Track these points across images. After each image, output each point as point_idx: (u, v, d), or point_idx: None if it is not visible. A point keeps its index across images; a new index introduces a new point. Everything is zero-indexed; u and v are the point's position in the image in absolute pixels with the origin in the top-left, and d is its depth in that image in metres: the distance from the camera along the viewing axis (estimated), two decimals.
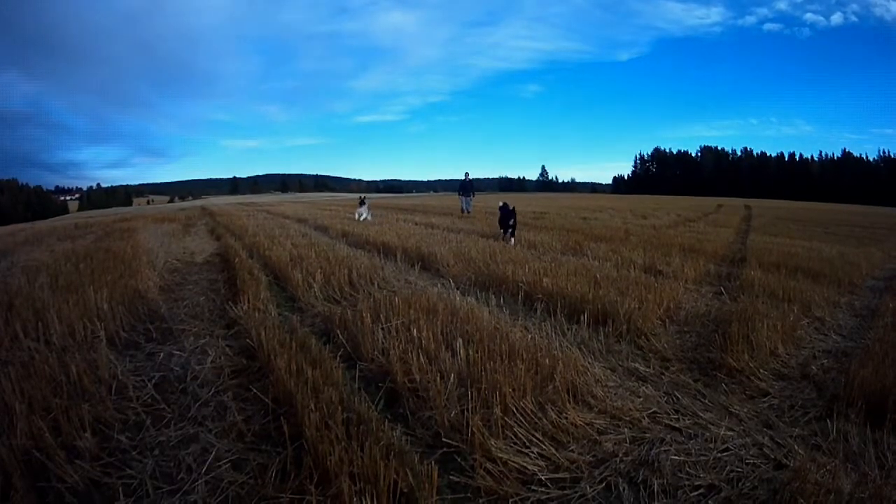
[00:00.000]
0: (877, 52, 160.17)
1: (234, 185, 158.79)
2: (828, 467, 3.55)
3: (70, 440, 3.60)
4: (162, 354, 5.24)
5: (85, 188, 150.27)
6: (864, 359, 5.33)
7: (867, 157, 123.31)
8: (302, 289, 7.80)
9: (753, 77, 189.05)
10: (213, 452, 3.54)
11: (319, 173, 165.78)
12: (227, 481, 3.27)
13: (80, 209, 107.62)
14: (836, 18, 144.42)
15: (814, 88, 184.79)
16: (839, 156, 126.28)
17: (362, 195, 16.83)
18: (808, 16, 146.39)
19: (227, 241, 14.05)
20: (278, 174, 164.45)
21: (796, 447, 3.89)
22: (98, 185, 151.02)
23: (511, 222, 14.11)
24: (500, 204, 15.03)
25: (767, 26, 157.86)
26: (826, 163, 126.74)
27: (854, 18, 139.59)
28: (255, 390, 4.40)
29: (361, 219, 16.90)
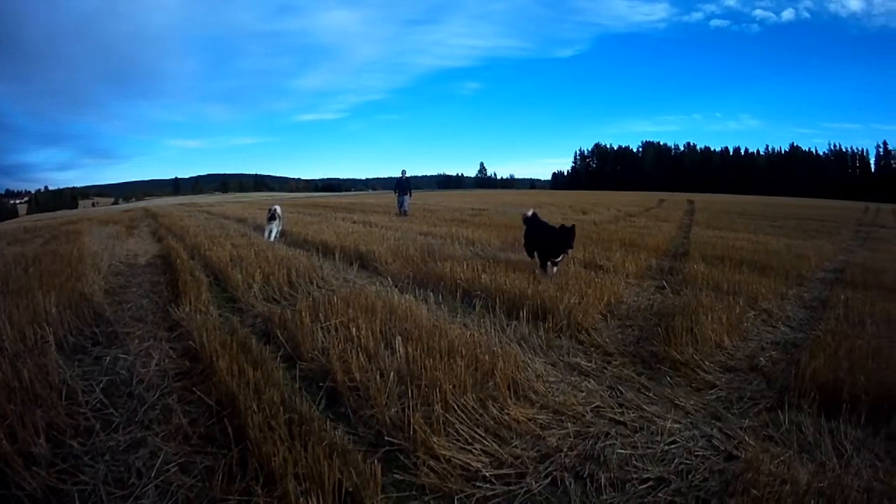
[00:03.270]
0: (830, 47, 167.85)
1: (176, 186, 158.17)
2: (782, 458, 3.70)
3: (26, 447, 3.66)
4: (108, 358, 5.34)
5: (34, 191, 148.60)
6: (816, 350, 5.54)
7: (817, 151, 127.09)
8: (242, 289, 7.99)
9: (698, 73, 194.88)
10: (162, 456, 3.63)
11: (259, 173, 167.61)
12: (176, 485, 3.37)
13: (29, 212, 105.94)
14: (788, 14, 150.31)
15: (761, 84, 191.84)
16: (787, 150, 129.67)
17: (273, 206, 14.75)
18: (758, 12, 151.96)
19: (169, 243, 14.10)
20: (219, 174, 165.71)
21: (747, 438, 4.04)
22: (46, 187, 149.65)
23: (564, 253, 8.78)
24: (529, 213, 10.06)
25: (714, 22, 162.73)
26: (773, 157, 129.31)
27: (807, 14, 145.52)
28: (198, 392, 4.49)
29: (272, 238, 14.43)
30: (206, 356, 5.07)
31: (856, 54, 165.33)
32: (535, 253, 9.38)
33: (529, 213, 10.18)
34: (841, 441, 4.11)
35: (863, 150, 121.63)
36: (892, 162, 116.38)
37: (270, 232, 14.53)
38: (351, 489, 3.24)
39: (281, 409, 3.97)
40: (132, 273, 10.15)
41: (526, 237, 9.98)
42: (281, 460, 3.33)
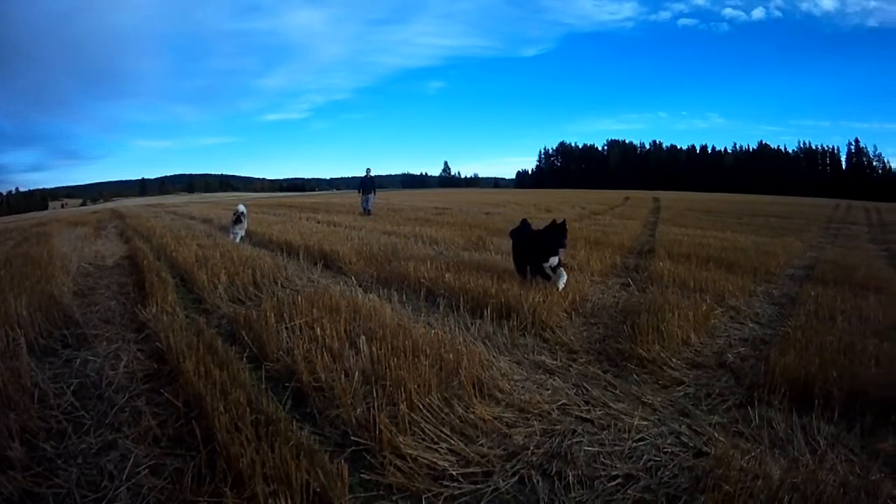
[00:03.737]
0: (801, 46, 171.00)
1: (143, 187, 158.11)
2: (753, 454, 3.71)
3: (1, 450, 3.66)
4: (78, 361, 5.34)
5: (5, 193, 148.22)
6: (786, 346, 5.61)
7: (785, 148, 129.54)
8: (208, 290, 8.03)
9: (665, 72, 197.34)
10: (132, 459, 3.62)
11: (225, 173, 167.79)
12: (147, 487, 3.36)
13: (0, 214, 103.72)
14: (758, 13, 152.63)
15: (729, 82, 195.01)
16: (755, 148, 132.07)
17: (238, 208, 15.09)
18: (728, 11, 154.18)
19: (136, 244, 14.15)
20: (185, 175, 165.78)
21: (716, 435, 4.05)
22: (17, 189, 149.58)
23: (555, 259, 7.83)
24: (521, 221, 9.27)
25: (683, 21, 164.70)
26: (740, 155, 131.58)
27: (778, 14, 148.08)
28: (166, 394, 4.49)
29: (238, 240, 14.09)
30: (173, 357, 5.08)
31: (828, 53, 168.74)
32: (528, 268, 8.24)
33: (518, 223, 9.25)
34: (814, 436, 4.14)
35: (834, 147, 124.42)
36: (864, 159, 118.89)
37: (236, 235, 14.17)
38: (319, 490, 3.24)
39: (247, 409, 3.99)
40: (100, 274, 10.17)
41: (514, 249, 8.91)
42: (249, 461, 3.33)
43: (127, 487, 3.36)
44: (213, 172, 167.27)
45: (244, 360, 5.29)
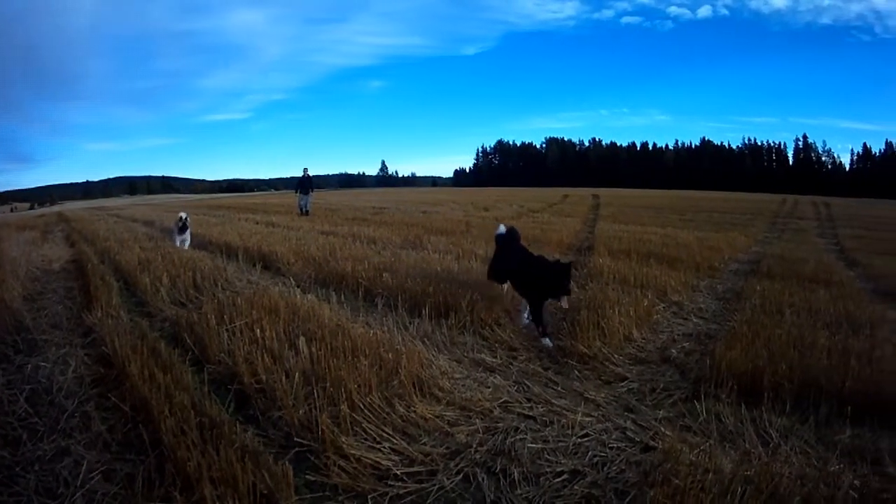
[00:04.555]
0: (749, 43, 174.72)
1: (87, 190, 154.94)
2: (702, 447, 3.80)
3: None
4: (30, 366, 5.31)
5: None
6: (732, 340, 5.75)
7: (729, 144, 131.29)
8: (150, 293, 8.04)
9: (606, 70, 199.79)
10: (85, 464, 3.64)
11: (166, 175, 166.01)
12: (101, 493, 3.39)
13: None
14: (704, 11, 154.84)
15: (673, 80, 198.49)
16: (697, 144, 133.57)
17: (181, 215, 13.82)
18: (673, 9, 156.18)
19: (81, 248, 14.30)
20: (128, 177, 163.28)
21: (663, 429, 4.14)
22: None
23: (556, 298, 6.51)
24: (502, 230, 7.88)
25: (626, 19, 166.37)
26: (682, 151, 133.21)
27: (725, 11, 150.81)
28: (114, 398, 4.51)
29: (187, 246, 13.88)
30: (119, 362, 5.09)
31: (777, 50, 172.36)
32: (514, 287, 7.11)
33: (502, 229, 7.87)
34: (765, 429, 4.25)
35: (780, 143, 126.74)
36: (813, 154, 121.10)
37: (184, 242, 13.91)
38: (265, 492, 3.26)
39: (192, 413, 4.01)
40: (48, 279, 10.17)
41: (496, 259, 7.64)
42: (195, 465, 3.34)
43: (82, 493, 3.38)
44: (155, 174, 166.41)
45: (187, 362, 5.28)
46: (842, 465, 3.68)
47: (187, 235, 14.16)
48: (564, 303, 6.43)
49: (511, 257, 7.24)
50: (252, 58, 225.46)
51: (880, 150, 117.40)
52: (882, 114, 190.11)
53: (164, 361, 5.05)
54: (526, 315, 6.80)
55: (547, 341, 6.18)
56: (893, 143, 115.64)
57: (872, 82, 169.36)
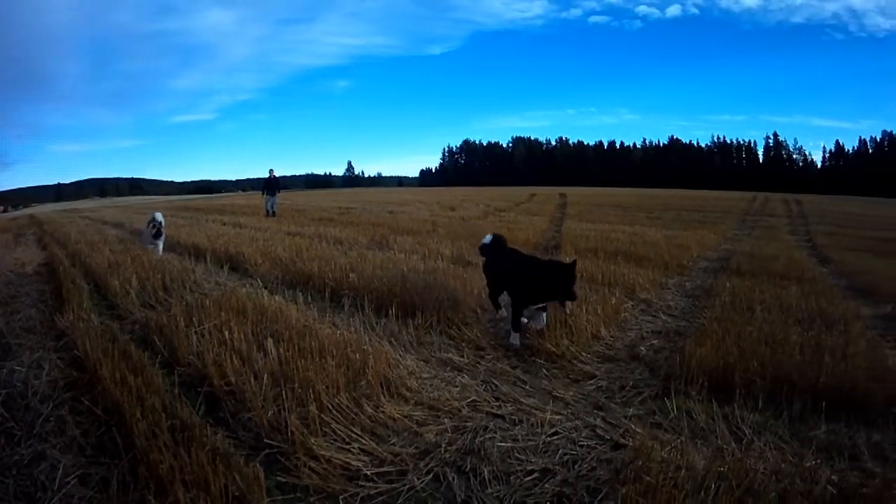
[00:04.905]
0: (718, 42, 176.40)
1: (58, 192, 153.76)
2: (673, 444, 3.81)
3: None
4: (5, 370, 5.26)
5: None
6: (701, 337, 5.81)
7: (698, 143, 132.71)
8: (120, 295, 8.01)
9: (574, 69, 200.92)
10: (61, 469, 3.63)
11: (136, 176, 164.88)
12: (78, 497, 3.40)
13: None
14: (674, 10, 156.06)
15: (641, 78, 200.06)
16: (665, 143, 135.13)
17: (156, 218, 13.34)
18: (641, 8, 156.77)
19: (53, 250, 14.22)
20: (99, 179, 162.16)
21: (633, 427, 4.19)
22: None
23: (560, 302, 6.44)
24: (487, 240, 7.38)
25: (594, 19, 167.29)
26: (650, 150, 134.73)
27: (695, 10, 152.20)
28: (87, 402, 4.48)
29: (161, 252, 12.78)
30: (91, 365, 5.07)
31: (748, 49, 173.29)
32: (509, 297, 6.57)
33: (487, 238, 7.39)
34: (738, 425, 4.28)
35: (750, 141, 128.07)
36: (783, 152, 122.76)
37: (157, 247, 12.98)
38: (237, 494, 3.27)
39: (163, 415, 4.03)
40: (21, 282, 10.05)
41: (488, 274, 7.11)
42: (168, 467, 3.35)
43: (59, 498, 3.39)
44: (124, 176, 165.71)
45: (157, 365, 5.26)
46: (818, 461, 3.71)
47: (160, 241, 13.19)
48: (568, 308, 6.37)
49: (503, 263, 6.78)
50: (220, 58, 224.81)
51: (853, 148, 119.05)
52: (856, 111, 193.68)
53: (135, 364, 5.04)
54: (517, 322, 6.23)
55: (514, 337, 6.13)
56: (867, 140, 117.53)
57: (846, 80, 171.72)
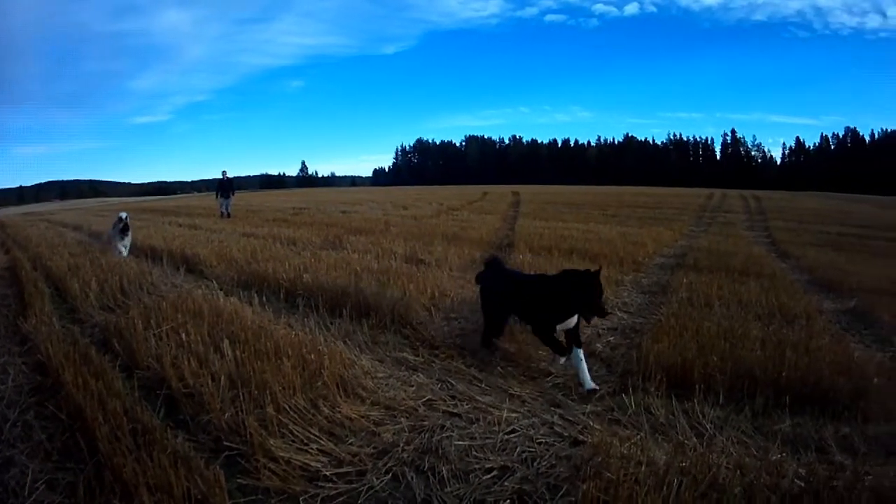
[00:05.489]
0: (676, 40, 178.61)
1: (20, 195, 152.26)
2: (633, 440, 3.86)
3: None
4: None
5: None
6: (659, 333, 5.91)
7: (654, 140, 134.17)
8: (80, 298, 8.02)
9: (527, 67, 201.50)
10: (30, 474, 3.64)
11: (95, 178, 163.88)
12: (47, 502, 3.42)
13: None
14: (631, 9, 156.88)
15: (595, 77, 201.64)
16: (621, 140, 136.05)
17: (123, 216, 12.52)
18: (598, 6, 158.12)
19: (15, 254, 14.17)
20: (59, 181, 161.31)
21: (592, 423, 4.23)
22: None
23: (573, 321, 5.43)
24: (489, 258, 7.03)
25: (549, 17, 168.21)
26: (605, 148, 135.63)
27: (652, 9, 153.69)
28: (51, 407, 4.49)
29: (126, 254, 12.18)
30: (54, 369, 5.10)
31: (706, 46, 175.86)
32: (528, 325, 5.86)
33: (489, 258, 6.95)
34: (699, 421, 4.35)
35: (707, 138, 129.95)
36: (742, 149, 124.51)
37: (125, 248, 12.35)
38: (200, 497, 3.27)
39: (125, 419, 4.04)
40: None
41: (489, 303, 6.21)
42: (131, 471, 3.35)
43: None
44: (85, 178, 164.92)
45: (117, 368, 5.29)
46: (783, 454, 3.76)
47: (127, 241, 12.50)
48: (595, 321, 5.63)
49: (503, 286, 6.07)
50: (176, 59, 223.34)
51: (815, 144, 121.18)
52: (818, 108, 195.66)
53: (96, 368, 5.06)
54: (562, 359, 5.52)
55: (558, 360, 5.43)
56: (829, 136, 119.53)
57: (808, 77, 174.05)
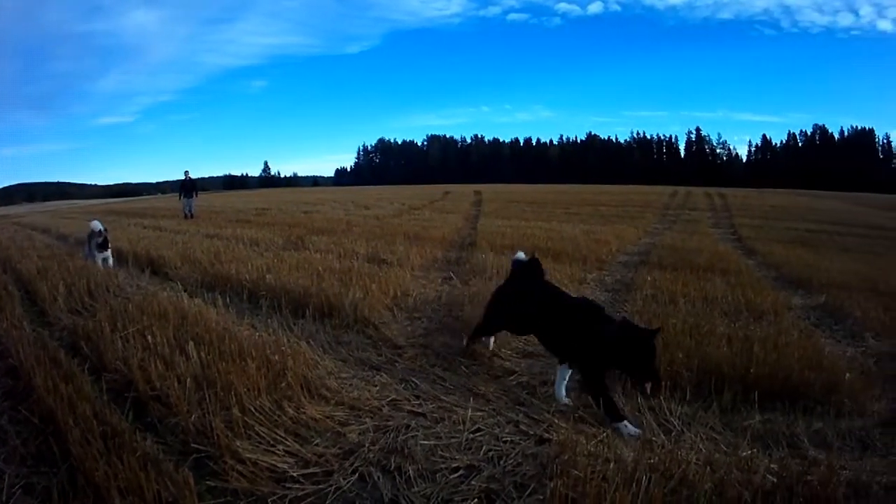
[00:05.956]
0: (640, 38, 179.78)
1: None
2: (600, 438, 3.89)
3: None
4: None
5: None
6: None
7: (617, 138, 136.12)
8: (49, 301, 7.93)
9: (490, 66, 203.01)
10: (6, 479, 3.63)
11: (62, 180, 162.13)
12: None
13: None
14: (595, 7, 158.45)
15: (558, 75, 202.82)
16: (583, 139, 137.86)
17: (94, 229, 11.63)
18: (562, 6, 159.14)
19: None
20: (27, 184, 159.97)
21: (557, 421, 4.21)
22: None
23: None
24: (521, 257, 6.12)
25: (512, 16, 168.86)
26: (567, 146, 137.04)
27: (616, 7, 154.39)
28: (24, 411, 4.46)
29: (110, 264, 11.29)
30: (25, 373, 5.07)
31: (670, 45, 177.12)
32: (545, 343, 5.23)
33: (522, 255, 6.16)
34: (666, 418, 4.42)
35: (671, 136, 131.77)
36: (706, 147, 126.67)
37: (107, 260, 11.30)
38: (170, 500, 3.26)
39: (95, 422, 3.99)
40: None
41: (502, 299, 5.71)
42: (103, 475, 3.33)
43: None
44: (52, 180, 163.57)
45: (86, 371, 5.19)
46: (754, 450, 3.80)
47: (108, 254, 11.49)
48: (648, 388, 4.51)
49: (532, 299, 5.37)
50: (142, 59, 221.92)
51: (782, 142, 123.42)
52: (785, 106, 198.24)
53: (66, 371, 5.02)
54: (563, 386, 4.91)
55: (627, 428, 4.28)
56: (797, 133, 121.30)
57: (775, 75, 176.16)
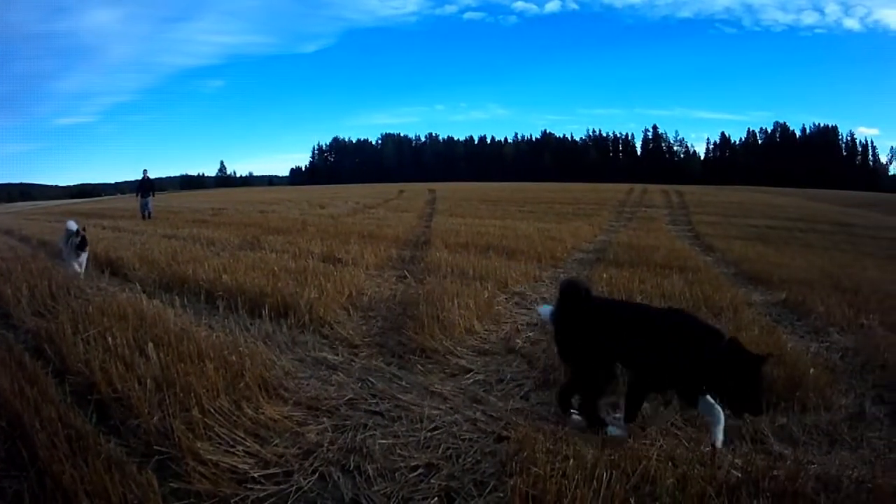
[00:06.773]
0: (596, 37, 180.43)
1: None
2: (559, 435, 3.91)
3: None
4: None
5: None
6: None
7: (572, 136, 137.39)
8: (13, 304, 7.88)
9: (445, 65, 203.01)
10: None
11: (24, 181, 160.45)
12: None
13: None
14: (552, 6, 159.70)
15: (513, 74, 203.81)
16: (538, 137, 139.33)
17: (75, 227, 10.77)
18: (518, 4, 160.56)
19: None
20: None
21: (515, 419, 4.29)
22: None
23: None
24: (566, 289, 4.69)
25: (469, 15, 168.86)
26: (522, 144, 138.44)
27: (574, 6, 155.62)
28: None
29: (83, 269, 10.56)
30: None
31: (627, 43, 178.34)
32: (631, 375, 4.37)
33: (546, 311, 4.89)
34: None
35: (628, 134, 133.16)
36: (663, 144, 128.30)
37: (82, 265, 10.54)
38: (136, 502, 3.27)
39: (60, 425, 4.01)
40: None
41: (574, 335, 4.51)
42: (70, 478, 3.33)
43: None
44: (15, 181, 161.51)
45: (50, 374, 5.19)
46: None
47: (84, 258, 10.69)
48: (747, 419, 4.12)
49: (604, 324, 4.36)
50: (101, 59, 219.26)
51: (741, 139, 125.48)
52: (746, 104, 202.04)
53: (30, 374, 5.01)
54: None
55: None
56: (757, 131, 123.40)
57: (735, 73, 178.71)
